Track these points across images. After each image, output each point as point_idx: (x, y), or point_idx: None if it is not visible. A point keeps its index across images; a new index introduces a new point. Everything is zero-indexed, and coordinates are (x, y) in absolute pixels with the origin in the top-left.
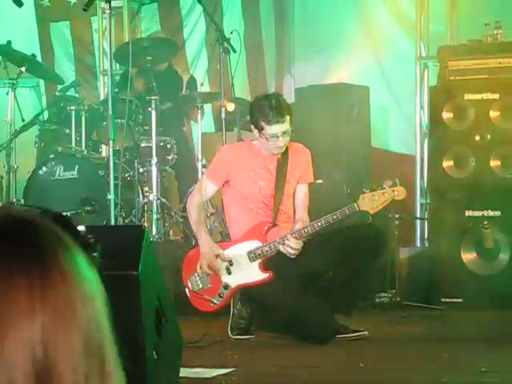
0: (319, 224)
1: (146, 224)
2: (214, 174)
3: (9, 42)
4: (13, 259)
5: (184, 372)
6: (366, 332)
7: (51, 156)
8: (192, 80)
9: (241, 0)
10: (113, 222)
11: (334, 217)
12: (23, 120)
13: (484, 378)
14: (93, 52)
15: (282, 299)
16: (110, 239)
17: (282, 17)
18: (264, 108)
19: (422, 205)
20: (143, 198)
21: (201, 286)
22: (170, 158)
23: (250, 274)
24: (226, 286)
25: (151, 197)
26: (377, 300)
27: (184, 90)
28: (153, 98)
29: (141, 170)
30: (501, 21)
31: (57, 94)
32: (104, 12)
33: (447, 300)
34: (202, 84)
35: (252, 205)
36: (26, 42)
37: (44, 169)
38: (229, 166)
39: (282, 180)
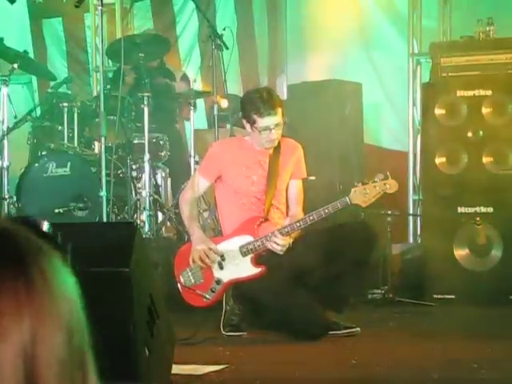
0: (311, 218)
1: (138, 221)
2: (206, 169)
3: (1, 39)
4: None
5: (176, 369)
6: (358, 328)
7: (43, 153)
8: (184, 77)
9: None
10: (105, 219)
11: (326, 211)
12: (15, 117)
13: (476, 374)
14: (85, 49)
15: (274, 296)
16: (102, 236)
17: (275, 13)
18: (255, 101)
19: (414, 201)
20: (136, 195)
21: (193, 281)
22: (162, 154)
23: (242, 268)
24: (219, 281)
25: (144, 193)
26: (369, 296)
27: (177, 87)
28: (145, 94)
29: (133, 167)
30: (493, 17)
31: (49, 90)
32: (96, 9)
33: (439, 296)
34: (194, 80)
35: (244, 200)
36: (19, 39)
37: (36, 165)
38: (221, 161)
39: (275, 174)
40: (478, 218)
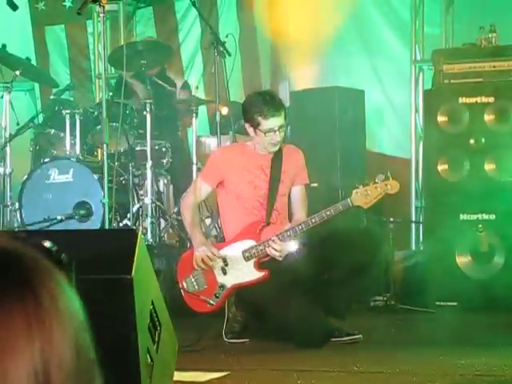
0: (313, 221)
1: (140, 228)
2: (208, 174)
3: (3, 46)
4: (6, 292)
5: (178, 376)
6: (360, 335)
7: (46, 159)
8: (186, 85)
9: (236, 3)
10: (107, 226)
11: (328, 213)
12: (18, 123)
13: (478, 381)
14: (88, 55)
15: (276, 303)
16: (104, 243)
17: (277, 20)
18: (259, 103)
19: (416, 208)
20: (138, 202)
21: (196, 287)
22: (164, 161)
23: (245, 273)
24: (222, 287)
25: (146, 200)
26: (372, 303)
27: (178, 95)
28: (147, 101)
29: (136, 174)
30: (495, 24)
31: (51, 97)
32: (99, 16)
33: (442, 303)
34: (197, 87)
35: (247, 204)
36: (21, 46)
37: (38, 172)
38: (222, 166)
39: (276, 179)
40: (480, 225)
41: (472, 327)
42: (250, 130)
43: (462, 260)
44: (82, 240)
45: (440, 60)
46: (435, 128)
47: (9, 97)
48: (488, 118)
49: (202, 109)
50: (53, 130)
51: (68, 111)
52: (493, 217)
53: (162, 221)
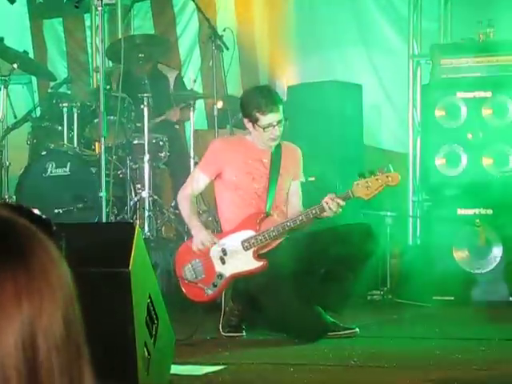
0: (314, 212)
1: (137, 221)
2: (207, 165)
3: (1, 39)
4: None
5: (175, 369)
6: (357, 330)
7: (43, 153)
8: (179, 78)
9: None
10: (104, 219)
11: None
12: (15, 117)
13: (475, 375)
14: (85, 49)
15: (273, 297)
16: (101, 236)
17: (275, 14)
18: (257, 99)
19: (414, 202)
20: (135, 196)
21: (194, 275)
22: (162, 155)
23: (243, 262)
24: (220, 276)
25: (143, 194)
26: (369, 298)
27: (171, 89)
28: (145, 95)
29: (133, 167)
30: (493, 19)
31: (49, 90)
32: (97, 9)
33: (439, 298)
34: (194, 81)
35: (245, 196)
36: (18, 39)
37: (36, 165)
38: (222, 157)
39: (276, 173)
40: (477, 220)
41: (469, 321)
42: (249, 125)
43: (460, 254)
44: (79, 233)
45: (438, 54)
46: (433, 122)
47: (6, 90)
48: (485, 112)
49: (200, 103)
50: (50, 124)
51: (65, 104)
52: (490, 211)
53: (159, 214)
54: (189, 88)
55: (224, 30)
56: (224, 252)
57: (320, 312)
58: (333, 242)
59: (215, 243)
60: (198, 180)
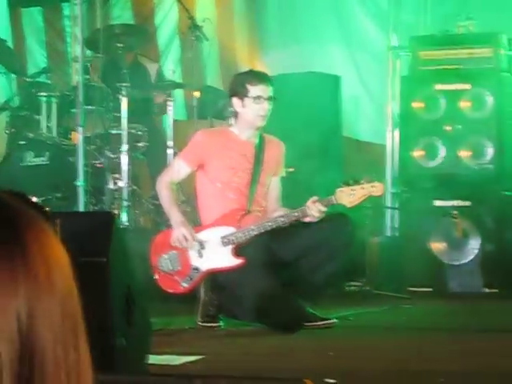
0: (296, 214)
1: (115, 211)
2: (189, 155)
3: None
4: None
5: (152, 359)
6: (335, 320)
7: (22, 142)
8: (160, 72)
9: None
10: (82, 209)
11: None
12: None
13: (451, 366)
14: (64, 39)
15: (251, 287)
16: (79, 225)
17: (255, 5)
18: (249, 73)
19: (392, 194)
20: (113, 185)
21: (171, 267)
22: (140, 145)
23: (221, 258)
24: (197, 269)
25: (121, 184)
26: (347, 289)
27: (153, 80)
28: (123, 85)
29: (111, 157)
30: (472, 11)
31: (27, 80)
32: None
33: (417, 289)
34: (173, 72)
35: (227, 191)
36: None
37: (14, 155)
38: (205, 149)
39: (258, 169)
40: (455, 212)
41: (446, 313)
42: (238, 103)
43: (437, 246)
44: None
45: (417, 47)
46: (411, 114)
47: None
48: (464, 104)
49: (179, 93)
50: (29, 113)
51: (44, 94)
52: (468, 203)
53: (137, 204)
54: (168, 78)
55: (204, 21)
56: (202, 246)
57: (298, 303)
58: (311, 233)
59: (193, 237)
60: (178, 169)
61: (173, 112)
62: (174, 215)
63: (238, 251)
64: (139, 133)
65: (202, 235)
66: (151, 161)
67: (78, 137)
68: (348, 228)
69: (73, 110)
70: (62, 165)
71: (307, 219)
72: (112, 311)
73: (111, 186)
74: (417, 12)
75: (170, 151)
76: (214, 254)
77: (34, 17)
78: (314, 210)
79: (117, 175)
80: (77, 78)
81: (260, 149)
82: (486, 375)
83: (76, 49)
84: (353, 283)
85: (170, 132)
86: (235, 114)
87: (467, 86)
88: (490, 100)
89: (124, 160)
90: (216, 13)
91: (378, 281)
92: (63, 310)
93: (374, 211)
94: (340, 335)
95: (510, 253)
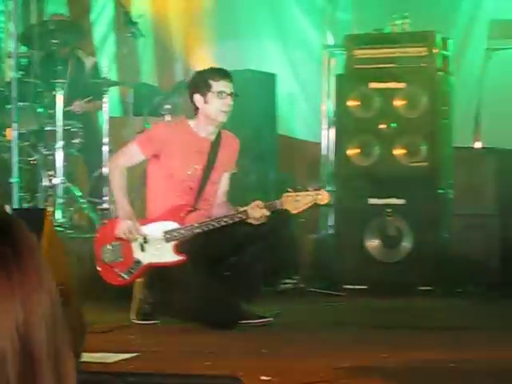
0: (239, 216)
1: (50, 208)
2: (146, 143)
3: None
4: None
5: (86, 356)
6: (270, 318)
7: None
8: (96, 66)
9: None
10: (16, 206)
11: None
12: None
13: (385, 363)
14: None
15: (187, 285)
16: None
17: (191, 1)
18: (209, 70)
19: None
20: (48, 182)
21: (113, 258)
22: (75, 142)
23: (163, 254)
24: (138, 263)
25: (56, 181)
26: (281, 286)
27: (88, 75)
28: (59, 81)
29: (46, 154)
30: (407, 11)
31: None
32: None
33: (351, 287)
34: (108, 68)
35: (177, 185)
36: None
37: None
38: (162, 141)
39: (211, 166)
40: (389, 210)
41: (380, 310)
42: (200, 100)
43: (371, 244)
44: None
45: (352, 45)
46: (346, 113)
47: None
48: (398, 103)
49: (114, 90)
50: None
51: None
52: (402, 201)
53: (72, 202)
54: (103, 75)
55: (139, 17)
56: (145, 240)
57: (233, 301)
58: (243, 231)
59: (137, 231)
60: (133, 154)
61: (108, 109)
62: (123, 204)
63: (180, 248)
64: (75, 129)
65: (146, 229)
66: (87, 158)
67: (12, 133)
68: (285, 226)
69: (7, 106)
70: None
71: (249, 220)
72: None
73: (46, 182)
74: (352, 10)
75: (105, 148)
76: (156, 248)
77: None
78: (257, 214)
79: (51, 172)
80: (11, 73)
81: (216, 147)
82: (420, 371)
83: (10, 44)
84: (287, 281)
85: (105, 129)
86: (196, 111)
87: (402, 85)
88: (424, 99)
89: (59, 157)
90: (152, 9)
91: (313, 279)
92: (53, 309)
93: (309, 209)
94: (274, 333)
95: (443, 251)
